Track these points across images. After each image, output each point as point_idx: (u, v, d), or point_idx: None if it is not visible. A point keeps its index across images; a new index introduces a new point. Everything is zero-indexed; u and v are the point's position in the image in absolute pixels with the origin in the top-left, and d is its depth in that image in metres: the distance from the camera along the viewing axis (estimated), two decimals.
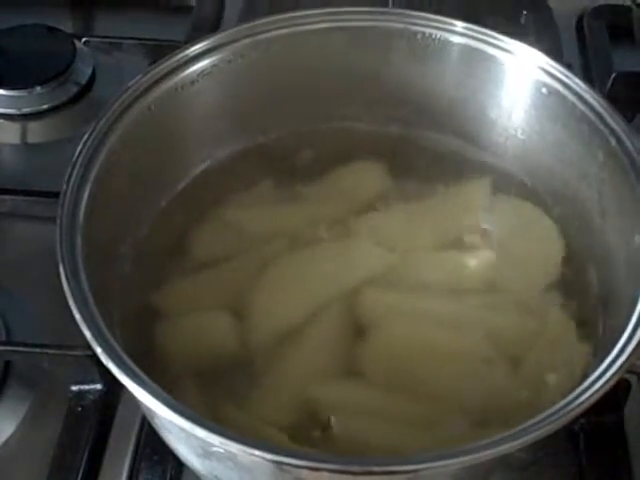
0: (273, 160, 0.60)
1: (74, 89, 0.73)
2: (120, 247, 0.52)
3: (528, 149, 0.58)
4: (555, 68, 0.54)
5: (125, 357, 0.41)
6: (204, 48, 0.55)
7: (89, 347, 0.41)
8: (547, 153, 0.57)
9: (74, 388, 0.55)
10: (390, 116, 0.61)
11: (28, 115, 0.72)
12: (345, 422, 0.48)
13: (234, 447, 0.37)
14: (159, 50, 0.71)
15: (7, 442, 0.54)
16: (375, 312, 0.53)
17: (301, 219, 0.57)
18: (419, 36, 0.57)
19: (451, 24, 0.56)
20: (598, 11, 0.82)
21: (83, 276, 0.43)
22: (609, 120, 0.51)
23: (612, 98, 0.53)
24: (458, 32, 0.56)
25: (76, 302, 0.42)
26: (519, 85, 0.56)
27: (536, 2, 0.82)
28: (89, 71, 0.74)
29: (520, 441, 0.38)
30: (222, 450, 0.39)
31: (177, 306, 0.53)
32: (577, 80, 0.53)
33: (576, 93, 0.53)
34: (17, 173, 0.70)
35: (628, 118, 0.52)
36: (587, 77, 0.74)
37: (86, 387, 0.55)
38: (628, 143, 0.50)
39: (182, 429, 0.38)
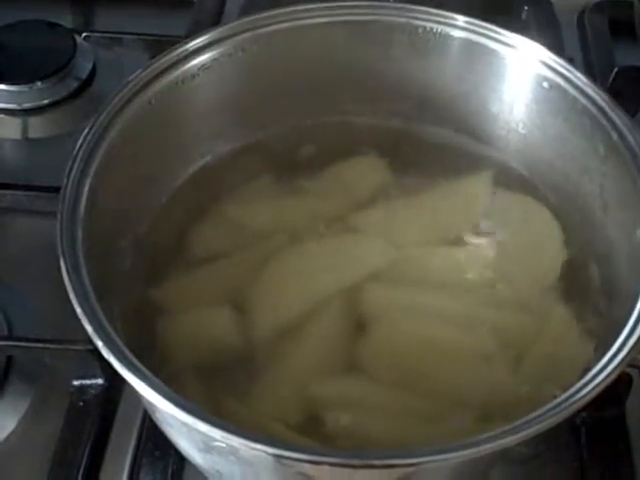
0: (274, 155, 0.60)
1: (74, 84, 0.73)
2: (121, 241, 0.52)
3: (529, 143, 0.58)
4: (556, 62, 0.53)
5: (126, 351, 0.41)
6: (204, 42, 0.55)
7: (90, 342, 0.41)
8: (548, 147, 0.56)
9: (76, 383, 0.55)
10: (391, 110, 0.61)
11: (29, 110, 0.72)
12: (346, 417, 0.48)
13: (235, 441, 0.37)
14: (159, 45, 0.70)
15: (9, 437, 0.55)
16: (376, 307, 0.53)
17: (302, 214, 0.57)
18: (420, 30, 0.57)
19: (452, 18, 0.56)
20: (599, 6, 0.82)
21: (84, 270, 0.43)
22: (610, 114, 0.51)
23: (614, 93, 0.52)
24: (459, 26, 0.56)
25: (77, 296, 0.42)
26: (520, 79, 0.56)
27: None
28: (89, 66, 0.74)
29: (521, 434, 0.38)
30: (224, 444, 0.39)
31: (178, 301, 0.53)
32: (578, 74, 0.53)
33: (577, 87, 0.52)
34: (18, 168, 0.70)
35: (630, 113, 0.51)
36: (589, 72, 0.74)
37: (88, 382, 0.55)
38: (630, 137, 0.50)
39: (184, 423, 0.38)
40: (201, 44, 0.55)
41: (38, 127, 0.72)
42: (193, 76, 0.55)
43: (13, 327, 0.59)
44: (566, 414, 0.39)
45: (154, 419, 0.49)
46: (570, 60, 0.55)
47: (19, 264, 0.62)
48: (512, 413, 0.41)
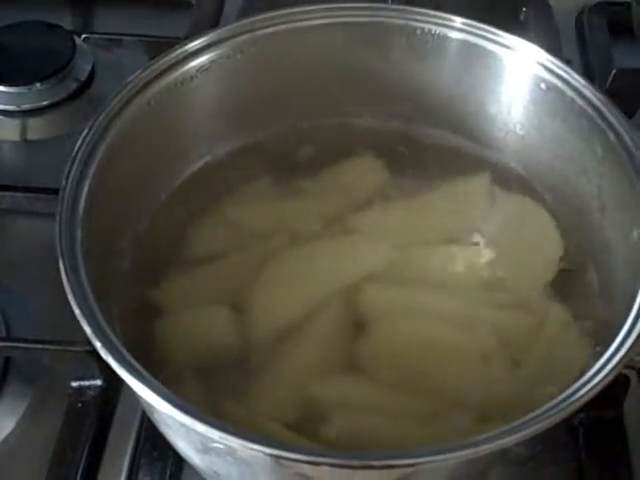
0: (273, 156, 0.60)
1: (74, 85, 0.73)
2: (120, 242, 0.53)
3: (527, 144, 0.58)
4: (554, 63, 0.54)
5: (125, 352, 0.41)
6: (203, 44, 0.55)
7: (89, 343, 0.41)
8: (546, 148, 0.57)
9: (74, 384, 0.55)
10: (389, 112, 0.61)
11: (28, 111, 0.72)
12: (345, 418, 0.48)
13: (234, 442, 0.37)
14: (159, 46, 0.70)
15: (7, 438, 0.55)
16: (375, 308, 0.53)
17: (301, 215, 0.57)
18: (418, 32, 0.57)
19: (450, 20, 0.56)
20: (598, 8, 0.82)
21: (83, 271, 0.43)
22: (608, 115, 0.51)
23: (612, 95, 0.53)
24: (457, 28, 0.56)
25: (76, 297, 0.42)
26: (518, 80, 0.56)
27: None
28: (89, 67, 0.74)
29: (519, 435, 0.38)
30: (222, 445, 0.39)
31: (177, 301, 0.53)
32: (576, 75, 0.53)
33: (575, 88, 0.53)
34: (17, 170, 0.70)
35: (628, 114, 0.51)
36: (587, 74, 0.74)
37: (86, 383, 0.55)
38: (627, 138, 0.50)
39: (182, 424, 0.38)
40: (200, 46, 0.55)
41: (37, 128, 0.72)
42: (192, 77, 0.55)
43: (12, 328, 0.59)
44: (564, 414, 0.39)
45: (152, 420, 0.49)
46: (568, 62, 0.55)
47: (18, 265, 0.63)
48: (510, 413, 0.41)
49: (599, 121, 0.51)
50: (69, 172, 0.47)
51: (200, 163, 0.59)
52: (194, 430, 0.38)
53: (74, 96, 0.73)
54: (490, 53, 0.56)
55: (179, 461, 0.52)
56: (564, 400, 0.40)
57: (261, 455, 0.37)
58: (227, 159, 0.60)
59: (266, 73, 0.58)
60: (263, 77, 0.58)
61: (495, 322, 0.52)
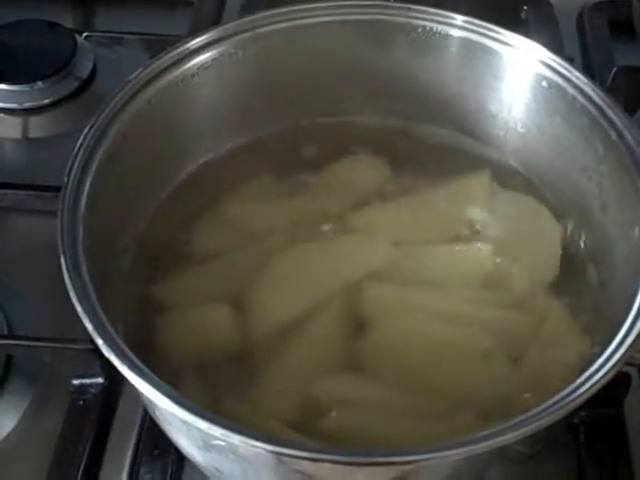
0: (273, 154, 0.60)
1: (75, 84, 0.73)
2: (121, 240, 0.53)
3: (528, 142, 0.58)
4: (555, 61, 0.54)
5: (126, 349, 0.41)
6: (204, 41, 0.55)
7: (91, 341, 0.42)
8: (547, 146, 0.57)
9: (75, 382, 0.55)
10: (391, 110, 0.61)
11: (29, 110, 0.72)
12: (346, 416, 0.48)
13: (235, 439, 0.37)
14: (160, 45, 0.70)
15: (8, 436, 0.55)
16: (376, 306, 0.53)
17: (302, 213, 0.57)
18: (420, 30, 0.57)
19: (451, 18, 0.56)
20: (599, 6, 0.82)
21: (84, 269, 0.44)
22: (609, 113, 0.51)
23: (613, 93, 0.53)
24: (458, 26, 0.56)
25: (77, 295, 0.42)
26: (519, 78, 0.56)
27: None
28: (90, 66, 0.74)
29: (519, 432, 0.38)
30: (223, 442, 0.39)
31: (178, 299, 0.53)
32: (577, 73, 0.53)
33: (576, 86, 0.53)
34: (19, 168, 0.70)
35: (629, 112, 0.51)
36: (588, 72, 0.73)
37: (87, 381, 0.55)
38: (628, 136, 0.50)
39: (183, 421, 0.39)
40: (201, 43, 0.55)
41: (38, 126, 0.72)
42: (193, 75, 0.55)
43: (13, 326, 0.59)
44: (564, 412, 0.39)
45: (154, 417, 0.49)
46: (569, 60, 0.55)
47: (19, 263, 0.63)
48: (511, 411, 0.41)
49: (600, 119, 0.51)
50: (70, 170, 0.47)
51: (201, 161, 0.59)
52: (196, 427, 0.38)
53: (75, 94, 0.73)
54: (491, 51, 0.56)
55: (180, 459, 0.52)
56: (564, 398, 0.40)
57: (263, 452, 0.37)
58: (228, 157, 0.60)
59: (267, 71, 0.58)
60: (264, 75, 0.58)
61: (495, 320, 0.52)
